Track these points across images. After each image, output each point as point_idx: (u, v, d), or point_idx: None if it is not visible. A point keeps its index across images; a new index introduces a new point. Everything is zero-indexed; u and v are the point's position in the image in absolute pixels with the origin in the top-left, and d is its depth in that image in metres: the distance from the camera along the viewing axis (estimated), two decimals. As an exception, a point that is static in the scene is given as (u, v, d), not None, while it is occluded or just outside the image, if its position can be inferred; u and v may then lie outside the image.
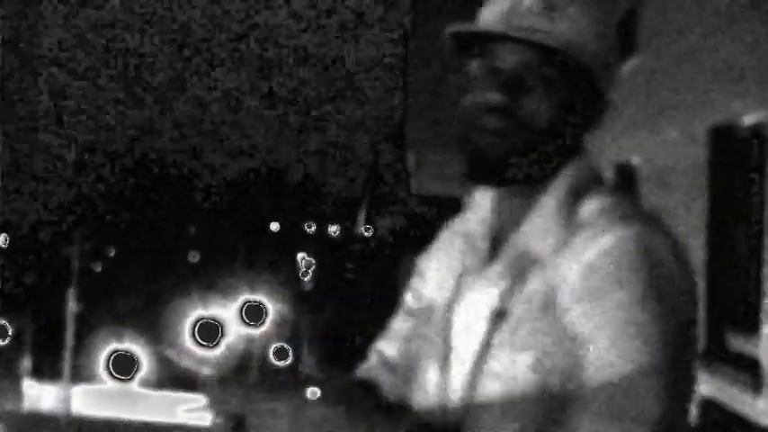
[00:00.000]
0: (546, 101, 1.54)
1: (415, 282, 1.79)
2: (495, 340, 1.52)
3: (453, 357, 1.58)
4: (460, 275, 1.64)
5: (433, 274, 1.73)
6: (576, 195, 1.57)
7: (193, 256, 55.54)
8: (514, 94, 1.53)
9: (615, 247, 1.47)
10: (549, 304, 1.50)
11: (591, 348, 1.44)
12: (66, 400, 34.67)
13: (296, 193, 57.09)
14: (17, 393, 39.23)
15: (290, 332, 39.79)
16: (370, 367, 1.79)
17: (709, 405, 7.56)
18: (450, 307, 1.62)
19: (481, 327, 1.55)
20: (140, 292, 47.51)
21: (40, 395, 39.52)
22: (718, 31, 7.99)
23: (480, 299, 1.57)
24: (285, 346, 37.86)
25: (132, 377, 30.52)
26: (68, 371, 34.78)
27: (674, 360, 1.45)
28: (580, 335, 1.46)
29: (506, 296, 1.53)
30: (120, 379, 30.34)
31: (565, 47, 1.52)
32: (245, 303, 34.49)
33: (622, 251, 1.46)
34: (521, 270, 1.54)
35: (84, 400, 38.52)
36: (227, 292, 43.76)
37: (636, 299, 1.44)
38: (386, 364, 1.77)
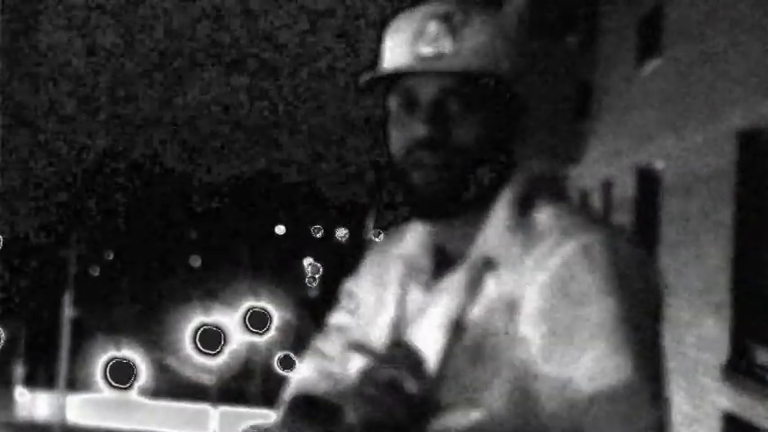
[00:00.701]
0: (472, 124, 1.58)
1: (346, 302, 1.86)
2: (457, 350, 1.56)
3: None
4: (403, 295, 1.70)
5: (366, 295, 1.81)
6: (525, 204, 1.62)
7: (195, 261, 55.56)
8: (440, 125, 1.57)
9: (580, 255, 1.51)
10: (511, 312, 1.53)
11: (573, 361, 1.47)
12: (61, 408, 34.71)
13: (303, 197, 57.08)
14: (10, 401, 39.28)
15: (296, 340, 39.79)
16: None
17: (731, 420, 7.57)
18: (398, 325, 1.68)
19: (439, 339, 1.58)
20: (139, 297, 47.56)
21: (33, 403, 39.56)
22: (745, 32, 8.00)
23: (436, 312, 1.61)
24: (290, 354, 37.87)
25: (130, 386, 30.54)
26: (64, 379, 34.83)
27: (656, 364, 1.49)
28: (547, 347, 1.49)
29: (465, 308, 1.57)
30: (117, 387, 30.37)
31: (476, 67, 1.57)
32: (248, 310, 34.50)
33: (588, 259, 1.50)
34: (478, 281, 1.58)
35: (79, 410, 38.55)
36: (229, 298, 43.76)
37: (609, 308, 1.47)
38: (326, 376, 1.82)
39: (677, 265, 9.65)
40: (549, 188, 1.68)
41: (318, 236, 60.97)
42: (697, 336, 8.74)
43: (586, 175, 16.28)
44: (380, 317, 1.74)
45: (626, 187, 12.66)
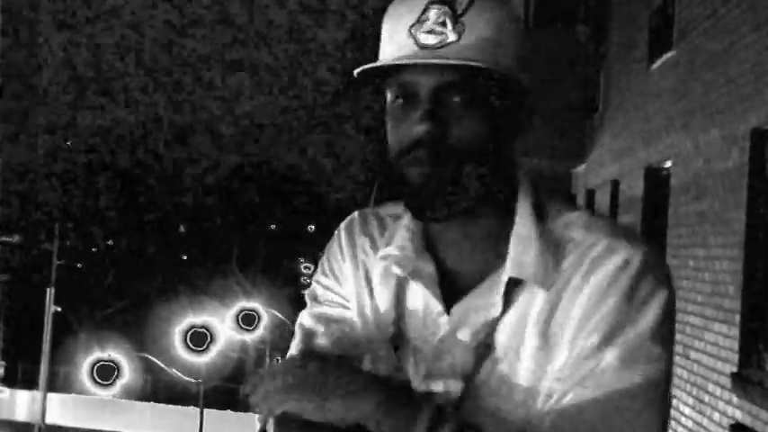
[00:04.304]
0: (473, 120, 1.55)
1: (332, 285, 1.79)
2: (484, 371, 1.58)
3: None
4: (401, 298, 1.69)
5: (348, 293, 1.76)
6: (540, 214, 1.63)
7: (183, 257, 55.57)
8: (439, 122, 1.55)
9: (625, 271, 1.54)
10: (546, 328, 1.56)
11: (586, 373, 1.51)
12: (42, 408, 34.70)
13: (297, 193, 57.15)
14: (-12, 400, 39.27)
15: (288, 340, 39.80)
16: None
17: (740, 430, 7.55)
18: (397, 324, 1.67)
19: (467, 360, 1.59)
20: (126, 293, 47.55)
21: (12, 403, 39.56)
22: (761, 26, 7.98)
23: (462, 331, 1.61)
24: (279, 357, 37.91)
25: (114, 385, 30.53)
26: (45, 377, 34.81)
27: (666, 384, 1.55)
28: (585, 350, 1.52)
29: (492, 327, 1.59)
30: (100, 386, 30.37)
31: (479, 59, 1.53)
32: (238, 308, 34.49)
33: (634, 274, 1.54)
34: (508, 299, 1.58)
35: (60, 410, 38.56)
36: (219, 296, 43.76)
37: (648, 324, 1.53)
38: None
39: (686, 268, 9.62)
40: (554, 193, 1.68)
41: (311, 232, 61.08)
42: (706, 343, 8.72)
43: (593, 173, 16.27)
44: (376, 315, 1.71)
45: (634, 186, 12.64)
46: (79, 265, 49.74)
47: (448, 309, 1.63)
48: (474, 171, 1.56)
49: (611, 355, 1.51)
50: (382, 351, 1.68)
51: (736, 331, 7.96)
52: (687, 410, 9.10)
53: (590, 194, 16.32)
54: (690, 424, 8.97)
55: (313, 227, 61.21)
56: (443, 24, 1.54)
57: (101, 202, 50.70)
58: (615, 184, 14.03)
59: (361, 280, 1.75)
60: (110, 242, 49.40)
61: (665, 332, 1.53)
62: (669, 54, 11.19)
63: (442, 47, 1.54)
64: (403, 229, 1.71)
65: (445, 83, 1.55)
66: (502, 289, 1.59)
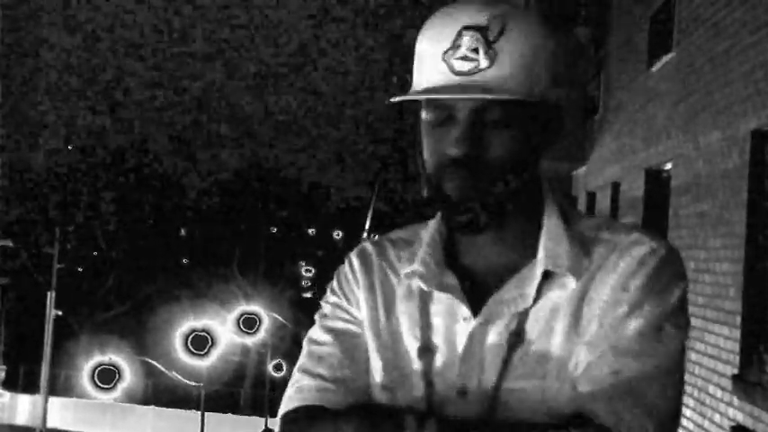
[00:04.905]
0: (507, 141, 1.63)
1: (342, 304, 1.83)
2: (517, 362, 1.65)
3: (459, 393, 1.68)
4: (425, 312, 1.73)
5: (366, 311, 1.80)
6: (565, 218, 1.73)
7: (184, 260, 55.56)
8: (475, 144, 1.62)
9: (649, 256, 1.66)
10: (577, 310, 1.65)
11: (613, 341, 1.61)
12: (43, 412, 34.70)
13: (298, 196, 57.09)
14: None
15: (289, 343, 39.79)
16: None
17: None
18: (427, 338, 1.72)
19: (499, 353, 1.66)
20: (127, 296, 47.53)
21: (13, 407, 39.55)
22: (760, 28, 7.98)
23: (492, 328, 1.67)
24: (280, 361, 37.85)
25: (115, 389, 30.51)
26: (45, 381, 34.81)
27: (682, 366, 1.65)
28: (614, 320, 1.62)
29: (523, 319, 1.66)
30: (102, 390, 30.36)
31: (513, 86, 1.60)
32: (239, 311, 34.48)
33: (657, 258, 1.66)
34: (539, 292, 1.67)
35: (61, 413, 38.56)
36: (220, 299, 43.72)
37: (669, 306, 1.64)
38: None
39: (686, 270, 9.62)
40: (572, 202, 1.75)
41: (311, 235, 61.01)
42: (707, 345, 8.72)
43: (593, 174, 16.26)
44: (397, 331, 1.76)
45: (634, 188, 12.64)
46: (80, 269, 49.72)
47: (475, 312, 1.69)
48: (508, 186, 1.64)
49: (634, 324, 1.61)
50: (409, 364, 1.73)
51: (737, 333, 7.96)
52: (688, 412, 9.09)
53: (591, 196, 16.32)
54: (691, 426, 8.96)
55: (314, 230, 61.20)
56: (476, 51, 1.60)
57: (102, 206, 50.68)
58: (616, 186, 14.03)
59: (375, 301, 1.80)
60: (110, 246, 49.36)
61: (681, 319, 1.65)
62: (669, 56, 11.19)
63: (475, 72, 1.60)
64: (424, 246, 1.77)
65: (480, 107, 1.61)
66: (536, 282, 1.67)
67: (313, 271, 60.74)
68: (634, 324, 1.61)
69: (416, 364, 1.72)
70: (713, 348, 8.53)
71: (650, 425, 1.56)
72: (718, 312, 8.47)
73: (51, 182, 50.39)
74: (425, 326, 1.73)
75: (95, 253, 49.89)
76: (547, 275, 1.66)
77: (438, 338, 1.71)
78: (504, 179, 1.63)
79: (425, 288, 1.73)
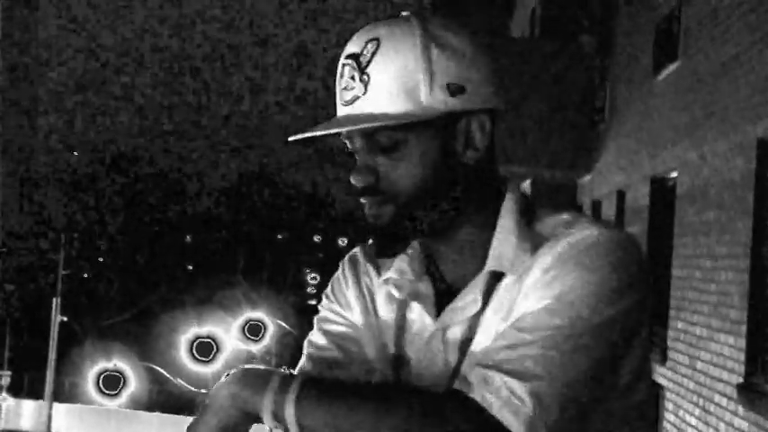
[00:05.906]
0: (401, 165, 1.59)
1: (337, 309, 1.85)
2: (465, 365, 1.62)
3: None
4: (401, 321, 1.74)
5: (355, 316, 1.82)
6: (528, 219, 1.66)
7: (189, 267, 55.59)
8: (369, 173, 1.60)
9: (581, 240, 1.56)
10: (511, 305, 1.59)
11: (532, 307, 1.54)
12: (48, 418, 34.71)
13: (304, 203, 57.18)
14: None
15: (294, 350, 39.82)
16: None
17: (747, 443, 7.52)
18: (400, 345, 1.73)
19: (454, 358, 1.65)
20: (132, 303, 47.58)
21: (18, 412, 39.56)
22: (765, 36, 7.97)
23: (450, 332, 1.66)
24: (285, 367, 37.80)
25: (120, 395, 30.54)
26: (50, 387, 34.82)
27: (609, 346, 1.52)
28: (530, 302, 1.55)
29: (475, 322, 1.64)
30: (107, 396, 30.38)
31: (390, 109, 1.55)
32: (244, 318, 34.51)
33: (589, 242, 1.55)
34: (488, 295, 1.63)
35: (66, 420, 38.56)
36: (225, 306, 43.76)
37: (589, 286, 1.52)
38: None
39: (692, 279, 9.61)
40: (548, 198, 1.73)
41: (317, 242, 61.05)
42: (712, 353, 8.70)
43: (598, 183, 16.25)
44: (379, 339, 1.78)
45: (639, 196, 12.63)
46: (85, 275, 49.78)
47: None
48: (416, 208, 1.61)
49: (545, 301, 1.52)
50: (388, 371, 1.74)
51: (742, 342, 7.95)
52: (693, 421, 9.07)
53: (596, 205, 16.31)
54: (696, 435, 8.94)
55: (319, 237, 61.22)
56: (353, 79, 1.58)
57: (106, 213, 50.74)
58: (621, 195, 14.02)
59: (366, 305, 1.81)
60: (115, 252, 49.40)
61: (605, 304, 1.51)
62: (674, 64, 11.18)
63: (354, 101, 1.58)
64: (402, 254, 1.75)
65: (370, 133, 1.58)
66: (482, 284, 1.63)
67: (318, 278, 60.83)
68: (544, 301, 1.52)
69: (390, 371, 1.74)
70: (718, 357, 8.51)
71: (524, 392, 1.46)
72: (723, 321, 8.45)
73: (56, 188, 50.47)
74: (400, 334, 1.74)
75: (101, 259, 49.95)
76: (497, 277, 1.62)
77: (412, 348, 1.72)
78: (409, 202, 1.60)
79: (398, 296, 1.73)
